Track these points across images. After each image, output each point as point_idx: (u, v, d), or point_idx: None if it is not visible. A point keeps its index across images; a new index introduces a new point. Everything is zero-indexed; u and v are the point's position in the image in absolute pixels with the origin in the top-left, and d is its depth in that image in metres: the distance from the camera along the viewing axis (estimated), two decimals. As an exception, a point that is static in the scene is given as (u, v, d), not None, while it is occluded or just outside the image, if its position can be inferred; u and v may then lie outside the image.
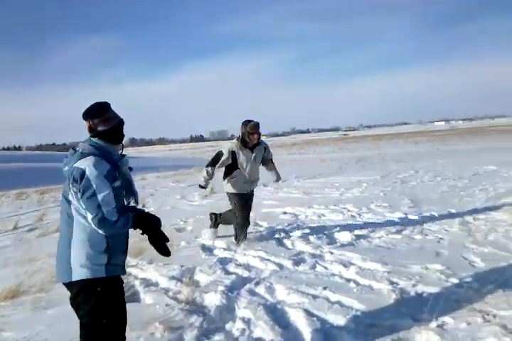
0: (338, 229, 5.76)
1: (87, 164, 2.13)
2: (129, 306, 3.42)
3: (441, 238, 5.09)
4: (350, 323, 3.04)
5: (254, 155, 5.11)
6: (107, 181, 2.13)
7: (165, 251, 2.42)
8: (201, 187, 5.31)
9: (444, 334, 2.78)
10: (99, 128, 2.27)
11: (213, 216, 5.69)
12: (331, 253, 4.66)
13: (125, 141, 2.47)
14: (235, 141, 5.13)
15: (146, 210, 2.51)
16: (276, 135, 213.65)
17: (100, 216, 2.10)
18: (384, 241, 5.10)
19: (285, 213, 7.18)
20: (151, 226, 2.34)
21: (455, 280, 3.65)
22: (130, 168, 2.43)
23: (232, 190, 5.18)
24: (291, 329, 3.03)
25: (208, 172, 5.12)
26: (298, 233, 5.58)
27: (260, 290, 3.72)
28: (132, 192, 2.39)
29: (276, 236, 5.54)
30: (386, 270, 4.01)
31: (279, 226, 5.99)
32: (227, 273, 4.21)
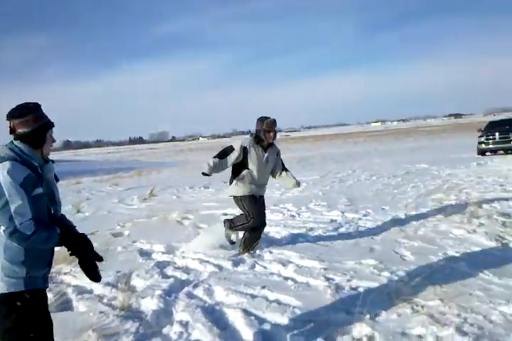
0: (277, 228, 5.85)
1: (1, 170, 1.95)
2: (61, 315, 3.32)
3: (374, 234, 5.29)
4: (287, 320, 3.08)
5: (266, 155, 4.69)
6: (22, 190, 1.95)
7: (95, 277, 2.21)
8: (204, 174, 4.65)
9: (376, 326, 2.88)
10: (19, 130, 2.09)
11: (227, 223, 4.95)
12: (270, 252, 4.70)
13: (58, 143, 2.31)
14: (248, 136, 4.75)
15: (78, 229, 2.34)
16: (218, 136, 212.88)
17: (12, 229, 1.92)
18: (321, 238, 5.22)
19: (226, 214, 7.16)
20: (82, 248, 2.13)
21: (387, 274, 3.80)
22: (56, 178, 2.24)
23: (239, 193, 4.68)
24: (229, 329, 3.02)
25: (214, 162, 4.56)
26: (238, 234, 5.58)
27: (199, 292, 3.69)
28: (55, 202, 2.21)
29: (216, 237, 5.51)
30: (323, 267, 4.11)
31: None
32: (165, 276, 4.14)
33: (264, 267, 4.25)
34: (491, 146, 18.15)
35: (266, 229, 5.84)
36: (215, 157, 4.63)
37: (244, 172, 4.63)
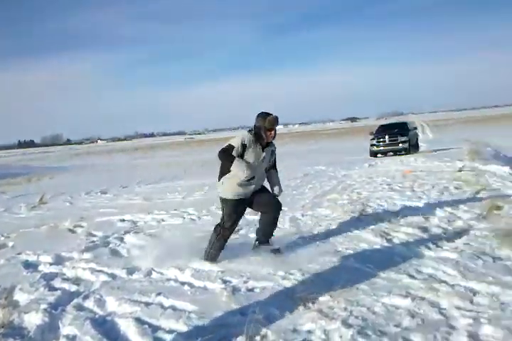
0: (177, 233, 5.75)
1: None
2: None
3: (273, 235, 5.40)
4: (182, 326, 3.02)
5: (264, 154, 4.33)
6: None
7: None
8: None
9: (270, 325, 2.94)
10: None
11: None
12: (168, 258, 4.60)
13: None
14: (246, 133, 4.29)
15: None
16: (119, 139, 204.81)
17: None
18: (221, 241, 5.21)
19: (123, 220, 6.92)
20: None
21: (282, 273, 3.88)
22: None
23: (224, 195, 4.40)
24: (121, 340, 2.90)
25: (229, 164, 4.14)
26: (134, 240, 5.41)
27: (89, 303, 3.49)
28: None
29: (111, 245, 5.29)
30: (220, 270, 4.11)
31: (115, 235, 5.74)
32: (52, 289, 3.85)
33: (161, 273, 4.15)
34: (381, 148, 19.62)
35: (165, 234, 5.74)
36: (223, 173, 4.29)
37: (237, 170, 4.17)
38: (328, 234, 5.23)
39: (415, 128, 22.81)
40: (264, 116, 4.27)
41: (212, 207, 7.75)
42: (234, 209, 4.40)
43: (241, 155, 4.21)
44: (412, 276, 3.67)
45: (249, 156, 4.23)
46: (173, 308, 3.31)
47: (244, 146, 4.19)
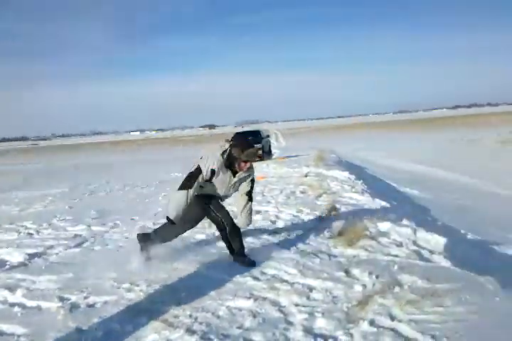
0: (9, 249, 5.15)
1: None
2: None
3: (121, 246, 5.17)
4: (9, 353, 2.71)
5: (234, 180, 4.04)
6: None
7: None
8: (171, 221, 3.95)
9: (109, 339, 2.79)
10: None
11: (143, 236, 4.35)
12: (-4, 277, 4.10)
13: None
14: (218, 156, 3.89)
15: None
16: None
17: None
18: (61, 256, 4.83)
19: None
20: None
21: (127, 286, 3.71)
22: None
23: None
24: None
25: (182, 198, 3.87)
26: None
27: None
28: None
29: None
30: (58, 287, 3.78)
31: None
32: None
33: (-14, 295, 3.67)
34: (236, 155, 20.29)
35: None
36: (183, 188, 3.88)
37: (206, 183, 3.99)
38: (177, 242, 5.15)
39: (268, 136, 24.07)
40: (244, 146, 3.94)
41: (54, 219, 7.15)
42: (213, 201, 4.18)
43: (209, 179, 3.97)
44: (256, 278, 3.80)
45: (218, 179, 3.98)
46: (0, 333, 2.95)
47: (213, 172, 3.91)
